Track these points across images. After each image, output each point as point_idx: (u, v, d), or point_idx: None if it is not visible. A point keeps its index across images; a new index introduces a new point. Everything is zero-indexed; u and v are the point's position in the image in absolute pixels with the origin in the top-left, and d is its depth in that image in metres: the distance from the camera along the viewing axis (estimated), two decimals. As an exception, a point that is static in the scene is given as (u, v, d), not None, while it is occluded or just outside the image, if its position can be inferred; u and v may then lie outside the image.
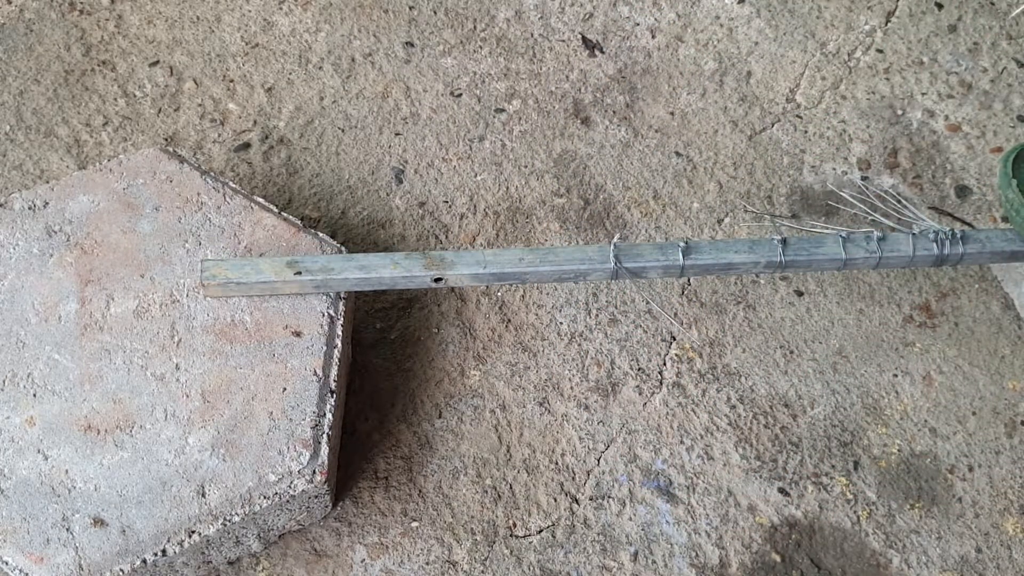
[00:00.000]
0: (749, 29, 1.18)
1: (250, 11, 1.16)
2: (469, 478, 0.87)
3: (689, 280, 0.99)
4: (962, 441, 0.91)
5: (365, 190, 1.03)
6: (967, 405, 0.92)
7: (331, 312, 0.82)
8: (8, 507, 0.73)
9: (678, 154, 1.08)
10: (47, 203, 0.86)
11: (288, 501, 0.76)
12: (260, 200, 0.89)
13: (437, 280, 0.81)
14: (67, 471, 0.74)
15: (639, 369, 0.93)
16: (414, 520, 0.84)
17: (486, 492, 0.86)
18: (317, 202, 1.02)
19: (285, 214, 0.88)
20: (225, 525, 0.74)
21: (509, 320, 0.95)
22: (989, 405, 0.92)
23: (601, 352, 0.94)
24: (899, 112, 1.12)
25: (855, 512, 0.87)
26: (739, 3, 1.18)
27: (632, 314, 0.96)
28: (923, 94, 1.13)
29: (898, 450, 0.90)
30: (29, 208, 0.86)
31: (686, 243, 0.82)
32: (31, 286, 0.82)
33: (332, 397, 0.79)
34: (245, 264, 0.81)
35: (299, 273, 0.80)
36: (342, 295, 0.84)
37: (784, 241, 0.84)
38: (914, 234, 0.86)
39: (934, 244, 0.86)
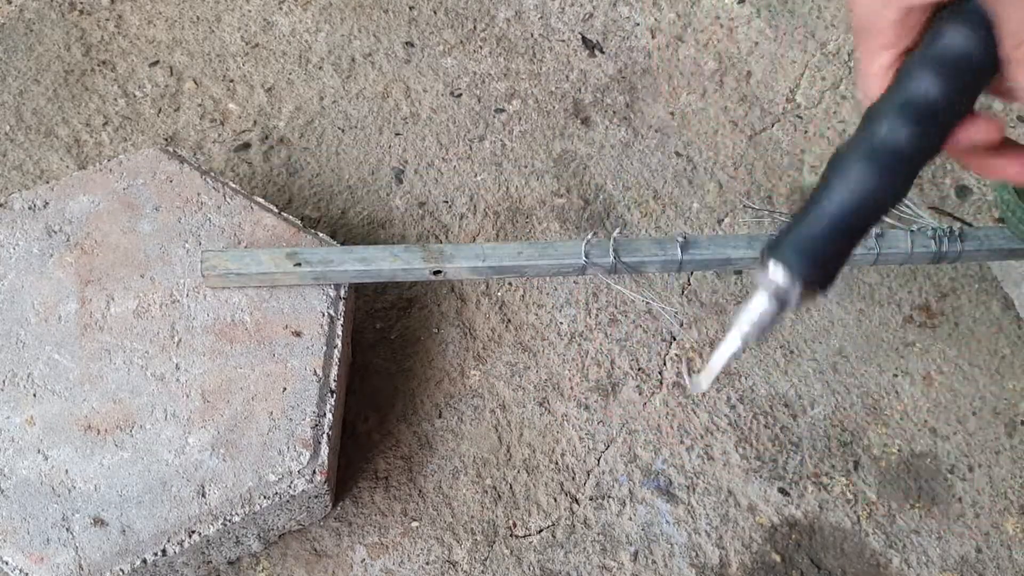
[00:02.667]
0: (749, 29, 1.18)
1: (250, 11, 1.16)
2: (469, 478, 0.87)
3: (689, 280, 0.99)
4: (962, 441, 0.91)
5: (365, 190, 1.03)
6: (967, 405, 0.92)
7: (331, 312, 0.82)
8: (8, 507, 0.73)
9: (678, 154, 1.08)
10: (47, 203, 0.86)
11: (288, 501, 0.76)
12: (260, 200, 0.89)
13: (436, 273, 0.81)
14: (67, 471, 0.74)
15: (639, 369, 0.93)
16: (414, 520, 0.84)
17: (486, 492, 0.86)
18: (317, 202, 1.02)
19: (285, 214, 0.88)
20: (225, 525, 0.74)
21: (509, 320, 0.95)
22: (989, 405, 0.92)
23: (601, 352, 0.94)
24: (899, 112, 1.12)
25: (855, 512, 0.87)
26: (739, 3, 1.18)
27: (632, 314, 0.96)
28: (923, 94, 1.13)
29: (898, 450, 0.90)
30: (29, 208, 0.86)
31: (684, 238, 0.82)
32: (31, 286, 0.82)
33: (332, 397, 0.79)
34: (245, 255, 0.81)
35: (299, 264, 0.80)
36: (343, 295, 0.84)
37: (783, 239, 0.83)
38: (912, 231, 0.86)
39: (932, 241, 0.86)
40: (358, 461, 0.87)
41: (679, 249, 0.82)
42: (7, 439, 0.75)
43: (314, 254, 0.81)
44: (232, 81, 1.10)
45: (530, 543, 0.84)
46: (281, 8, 1.17)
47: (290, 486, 0.76)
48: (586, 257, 0.82)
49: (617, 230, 1.01)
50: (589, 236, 0.83)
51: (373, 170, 1.05)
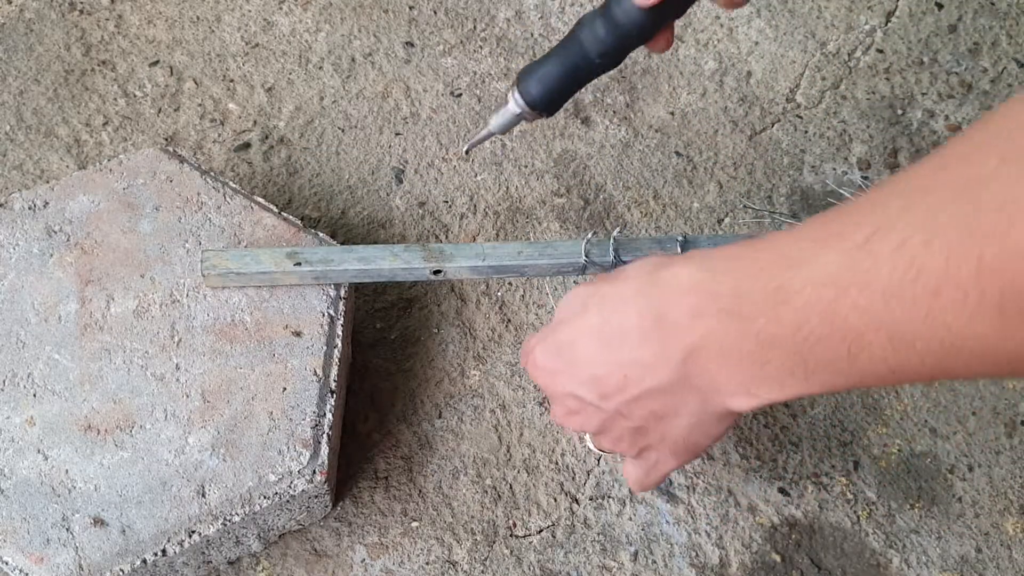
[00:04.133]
0: (749, 29, 1.18)
1: (250, 11, 1.16)
2: (469, 478, 0.87)
3: (689, 280, 0.98)
4: (962, 441, 0.91)
5: (365, 190, 1.03)
6: (967, 405, 0.92)
7: (331, 312, 0.82)
8: (8, 507, 0.73)
9: (678, 154, 1.08)
10: (47, 203, 0.87)
11: (288, 501, 0.76)
12: (260, 200, 0.89)
13: (436, 272, 0.81)
14: (67, 471, 0.74)
15: (639, 369, 0.93)
16: (414, 520, 0.84)
17: (486, 492, 0.86)
18: (317, 202, 1.02)
19: (285, 214, 0.88)
20: (225, 525, 0.74)
21: (509, 320, 0.95)
22: (989, 405, 0.92)
23: (601, 352, 0.94)
24: (899, 112, 1.12)
25: (855, 512, 0.87)
26: (739, 3, 1.18)
27: (632, 314, 0.96)
28: (923, 94, 1.13)
29: (898, 450, 0.90)
30: (29, 208, 0.86)
31: (684, 237, 0.82)
32: (31, 286, 0.82)
33: (332, 397, 0.79)
34: (245, 254, 0.81)
35: (299, 264, 0.80)
36: (342, 295, 0.84)
37: (783, 239, 0.83)
38: None
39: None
40: (358, 461, 0.87)
41: (679, 248, 0.82)
42: (7, 439, 0.75)
43: (314, 253, 0.81)
44: (232, 81, 1.10)
45: (530, 543, 0.84)
46: (281, 8, 1.17)
47: (290, 486, 0.76)
48: (586, 256, 0.82)
49: (617, 229, 1.01)
50: (589, 235, 0.83)
51: (373, 170, 1.05)
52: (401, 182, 1.04)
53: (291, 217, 0.88)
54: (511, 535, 0.84)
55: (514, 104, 0.71)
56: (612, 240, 0.82)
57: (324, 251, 0.82)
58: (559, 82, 0.69)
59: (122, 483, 0.74)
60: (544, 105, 0.71)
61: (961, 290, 0.39)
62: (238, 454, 0.76)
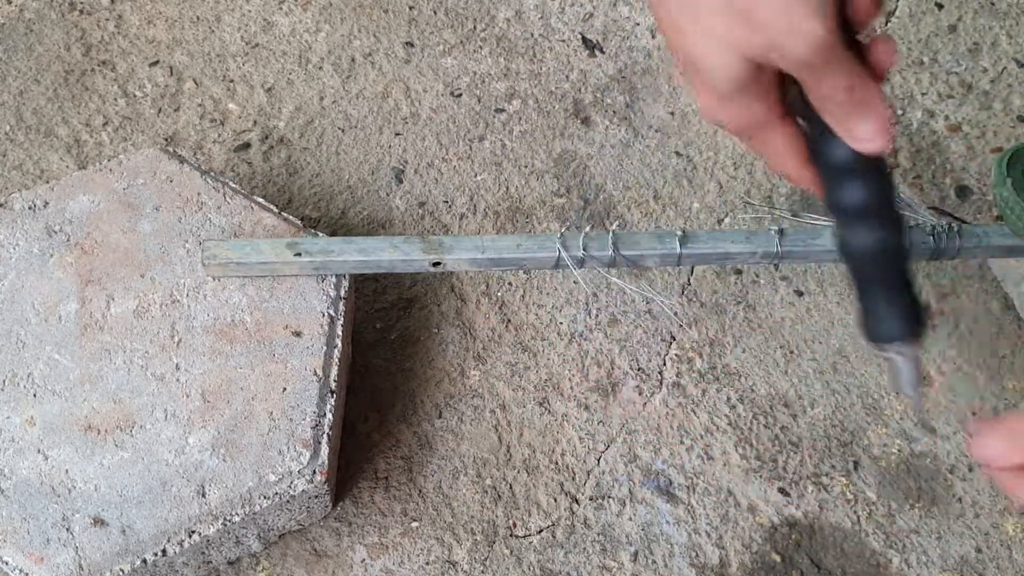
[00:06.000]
0: (749, 29, 1.18)
1: (250, 11, 1.16)
2: (469, 478, 0.87)
3: (689, 280, 0.99)
4: (962, 441, 0.91)
5: (365, 190, 1.03)
6: (967, 405, 0.92)
7: (331, 312, 0.82)
8: (8, 507, 0.73)
9: (678, 154, 1.08)
10: (47, 203, 0.86)
11: (288, 501, 0.76)
12: (260, 200, 0.89)
13: (436, 264, 0.81)
14: (67, 471, 0.74)
15: (639, 369, 0.93)
16: (414, 520, 0.84)
17: (486, 492, 0.86)
18: (317, 202, 1.02)
19: (285, 214, 0.88)
20: (225, 525, 0.74)
21: (509, 320, 0.95)
22: (989, 405, 0.92)
23: (601, 352, 0.94)
24: (899, 112, 1.12)
25: (855, 512, 0.87)
26: (739, 3, 1.18)
27: (632, 314, 0.96)
28: (923, 94, 1.13)
29: (898, 450, 0.90)
30: (29, 208, 0.86)
31: (683, 232, 0.82)
32: (31, 286, 0.82)
33: (332, 397, 0.79)
34: (246, 244, 0.81)
35: (299, 255, 0.81)
36: (342, 295, 0.84)
37: (781, 232, 0.84)
38: (910, 227, 0.86)
39: (931, 237, 0.86)
40: (358, 461, 0.87)
41: (678, 243, 0.82)
42: (7, 439, 0.75)
43: (314, 244, 0.82)
44: (232, 81, 1.10)
45: (530, 543, 0.84)
46: (281, 8, 1.17)
47: (290, 486, 0.76)
48: (584, 250, 0.82)
49: (616, 223, 1.01)
50: (587, 229, 0.83)
51: (373, 170, 1.05)
52: (401, 182, 1.04)
53: (291, 217, 0.88)
54: (511, 535, 0.84)
55: (896, 356, 0.54)
56: (611, 234, 0.82)
57: (324, 242, 0.82)
58: (894, 295, 0.52)
59: (122, 483, 0.74)
60: (909, 329, 0.53)
61: None
62: (238, 454, 0.76)
